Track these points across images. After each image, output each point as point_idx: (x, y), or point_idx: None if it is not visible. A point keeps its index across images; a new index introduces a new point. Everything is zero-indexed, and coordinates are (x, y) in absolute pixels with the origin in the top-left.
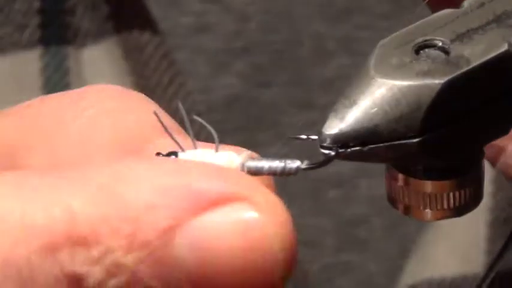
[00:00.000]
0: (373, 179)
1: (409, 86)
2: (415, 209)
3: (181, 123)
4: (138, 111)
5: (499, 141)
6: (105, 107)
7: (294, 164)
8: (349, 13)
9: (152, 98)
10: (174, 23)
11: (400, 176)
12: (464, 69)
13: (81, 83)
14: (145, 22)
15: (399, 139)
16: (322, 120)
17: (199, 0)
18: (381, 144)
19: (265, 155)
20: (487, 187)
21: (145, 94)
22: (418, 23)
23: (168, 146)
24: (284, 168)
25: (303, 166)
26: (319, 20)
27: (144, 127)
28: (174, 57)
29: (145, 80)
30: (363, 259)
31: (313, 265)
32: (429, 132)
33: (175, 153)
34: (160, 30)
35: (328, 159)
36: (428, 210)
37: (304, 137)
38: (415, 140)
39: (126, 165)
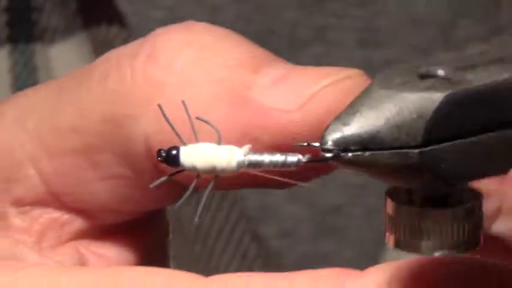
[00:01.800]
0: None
1: (412, 97)
2: (407, 241)
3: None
4: (224, 46)
5: None
6: (189, 54)
7: (294, 157)
8: (323, 1)
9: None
10: (145, 18)
11: (394, 206)
12: (467, 86)
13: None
14: (113, 16)
15: (401, 147)
16: None
17: None
18: (383, 151)
19: None
20: None
21: None
22: (419, 61)
23: (274, 74)
24: (285, 161)
25: (304, 159)
26: (293, 9)
27: (242, 60)
28: None
29: None
30: (339, 247)
31: (290, 254)
32: (432, 145)
33: (177, 148)
34: (129, 24)
35: (328, 157)
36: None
37: (305, 144)
38: (416, 150)
39: None
